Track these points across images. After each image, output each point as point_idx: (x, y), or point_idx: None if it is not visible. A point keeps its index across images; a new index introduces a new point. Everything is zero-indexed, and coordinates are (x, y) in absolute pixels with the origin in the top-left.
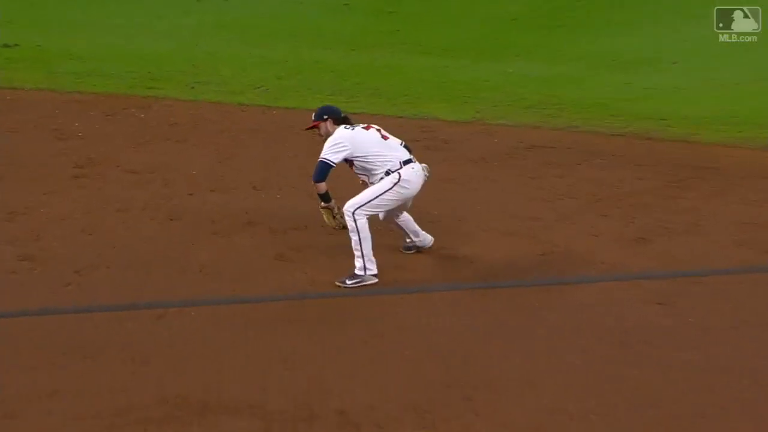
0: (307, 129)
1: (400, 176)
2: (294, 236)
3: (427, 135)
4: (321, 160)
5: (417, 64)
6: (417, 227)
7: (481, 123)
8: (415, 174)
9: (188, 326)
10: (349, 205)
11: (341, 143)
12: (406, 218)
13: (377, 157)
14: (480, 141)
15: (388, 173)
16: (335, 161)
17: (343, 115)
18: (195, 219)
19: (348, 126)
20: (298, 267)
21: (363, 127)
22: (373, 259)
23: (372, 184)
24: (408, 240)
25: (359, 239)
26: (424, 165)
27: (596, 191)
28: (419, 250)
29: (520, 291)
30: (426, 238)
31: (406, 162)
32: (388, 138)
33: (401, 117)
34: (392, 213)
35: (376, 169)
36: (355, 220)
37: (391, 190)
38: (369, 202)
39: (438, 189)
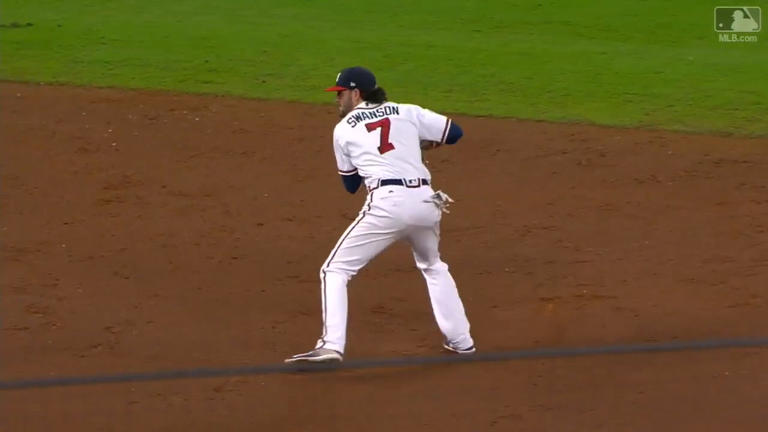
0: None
1: (370, 200)
2: (398, 281)
3: (578, 146)
4: (339, 173)
5: (565, 51)
6: (455, 311)
7: (650, 129)
8: (393, 201)
9: (255, 401)
10: (323, 265)
11: (337, 147)
12: (441, 287)
13: (363, 172)
14: (649, 154)
15: (368, 193)
16: (346, 170)
17: (376, 87)
18: (265, 258)
19: (352, 119)
20: (402, 322)
21: (366, 125)
22: (338, 332)
23: None
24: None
25: (324, 302)
26: (438, 192)
27: None
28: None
29: (701, 355)
30: (465, 339)
31: (386, 182)
32: (392, 148)
33: (542, 121)
34: (414, 253)
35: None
36: (324, 280)
37: (360, 223)
38: (338, 249)
39: (593, 218)
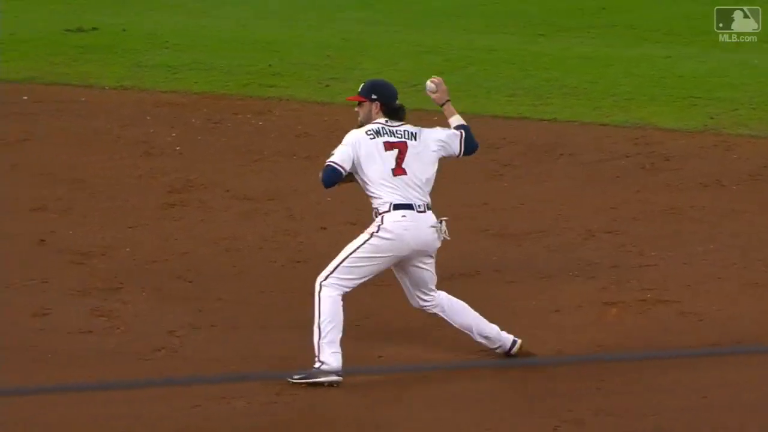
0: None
1: (381, 222)
2: (462, 285)
3: (642, 150)
4: (327, 163)
5: (629, 54)
6: (478, 321)
7: (715, 133)
8: (403, 225)
9: (318, 403)
10: (319, 277)
11: (347, 148)
12: (456, 312)
13: (372, 190)
14: (714, 157)
15: (376, 215)
16: (340, 164)
17: (398, 104)
18: (328, 262)
19: (371, 131)
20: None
21: (385, 143)
22: (334, 350)
23: None
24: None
25: (318, 320)
26: (442, 219)
27: None
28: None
29: (766, 359)
30: (504, 339)
31: (398, 207)
32: (404, 173)
33: (606, 125)
34: (411, 290)
35: (372, 204)
36: (319, 293)
37: (366, 244)
38: (339, 265)
39: (657, 223)
